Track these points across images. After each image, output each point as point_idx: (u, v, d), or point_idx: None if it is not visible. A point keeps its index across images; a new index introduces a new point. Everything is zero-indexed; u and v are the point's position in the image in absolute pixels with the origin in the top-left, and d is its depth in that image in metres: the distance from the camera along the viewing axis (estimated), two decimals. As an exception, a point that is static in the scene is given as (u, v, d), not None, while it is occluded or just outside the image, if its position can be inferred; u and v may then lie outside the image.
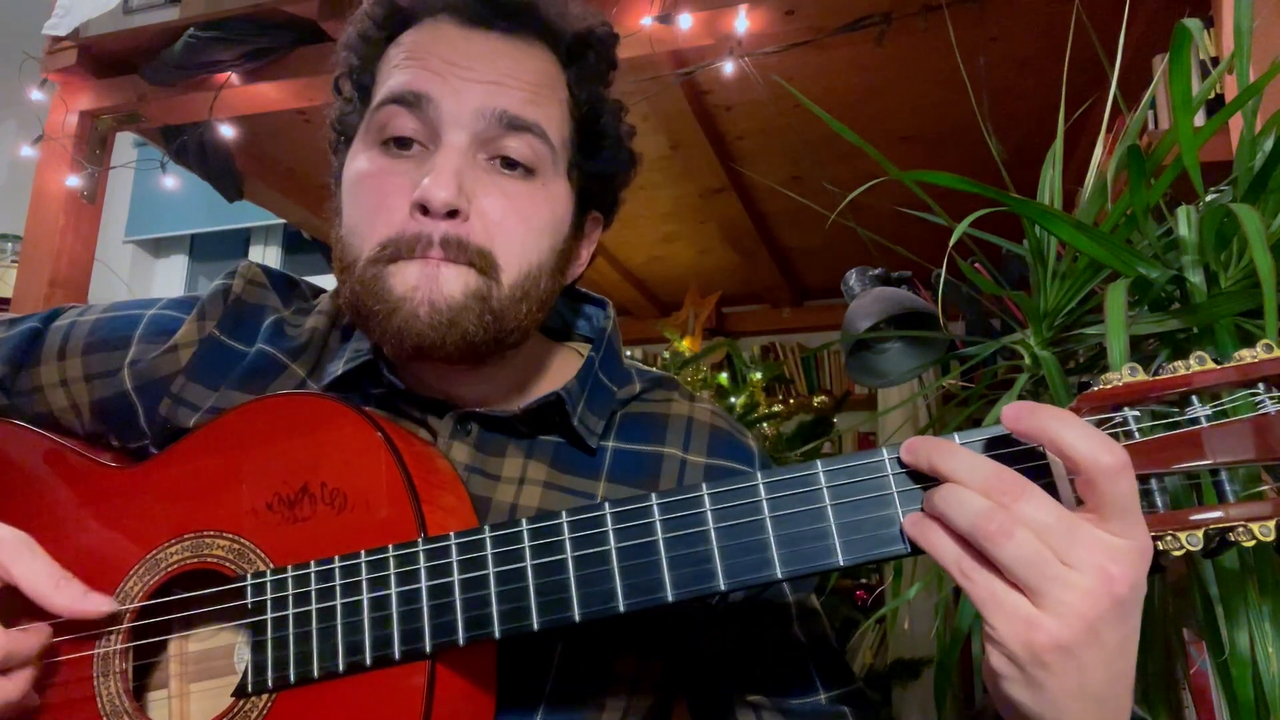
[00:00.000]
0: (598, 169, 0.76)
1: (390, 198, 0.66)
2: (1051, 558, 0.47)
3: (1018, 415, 0.50)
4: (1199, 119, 1.23)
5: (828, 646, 0.77)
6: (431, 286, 0.65)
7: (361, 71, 0.73)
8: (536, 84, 0.70)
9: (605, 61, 0.76)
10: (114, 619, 0.66)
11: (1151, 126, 1.83)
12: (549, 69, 0.72)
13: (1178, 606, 0.87)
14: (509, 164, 0.68)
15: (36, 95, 2.45)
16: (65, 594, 0.64)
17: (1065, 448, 0.48)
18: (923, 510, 0.53)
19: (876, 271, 2.25)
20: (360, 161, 0.69)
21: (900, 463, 0.55)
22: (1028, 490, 0.49)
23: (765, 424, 2.71)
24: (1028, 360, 0.98)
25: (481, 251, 0.66)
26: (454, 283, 0.65)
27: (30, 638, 0.64)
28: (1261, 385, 0.51)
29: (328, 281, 0.79)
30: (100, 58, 2.40)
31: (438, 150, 0.67)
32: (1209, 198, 0.89)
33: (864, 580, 3.34)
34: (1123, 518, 0.48)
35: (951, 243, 0.89)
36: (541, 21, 0.71)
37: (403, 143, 0.68)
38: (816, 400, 3.75)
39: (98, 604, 0.65)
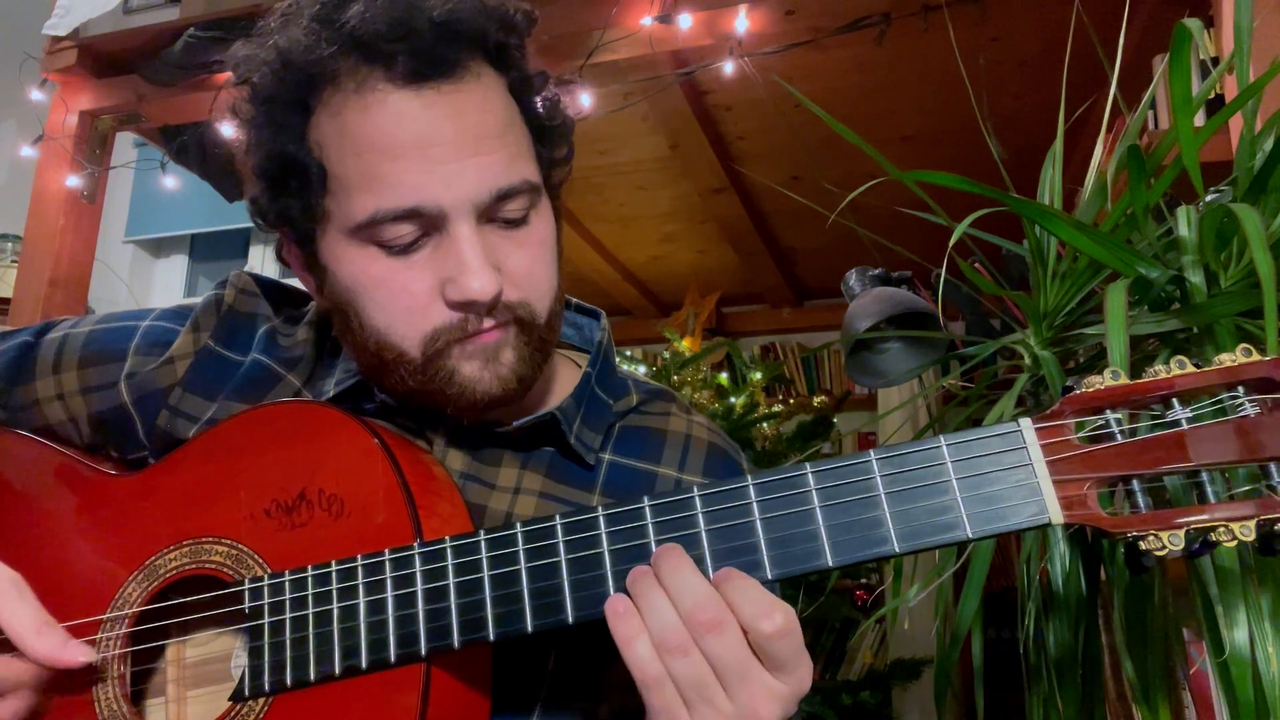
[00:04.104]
0: (555, 154, 0.76)
1: (420, 296, 0.66)
2: (716, 686, 0.54)
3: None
4: (1199, 119, 1.23)
5: None
6: (496, 365, 0.68)
7: (291, 146, 0.67)
8: (502, 127, 0.67)
9: (525, 40, 0.72)
10: (91, 669, 0.65)
11: (1151, 126, 1.83)
12: (498, 93, 0.68)
13: (1178, 606, 0.87)
14: (509, 221, 0.69)
15: (36, 95, 2.45)
16: (45, 641, 0.62)
17: (736, 610, 0.54)
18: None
19: (876, 271, 2.24)
20: (359, 263, 0.67)
21: (888, 464, 0.56)
22: (723, 628, 0.54)
23: (765, 424, 2.71)
24: (1028, 360, 0.98)
25: (521, 304, 0.69)
26: (508, 349, 0.69)
27: (22, 665, 0.63)
28: (1241, 388, 0.52)
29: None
30: (100, 58, 2.40)
31: (449, 239, 0.65)
32: (1209, 198, 0.89)
33: (864, 580, 3.34)
34: (783, 668, 0.55)
35: (951, 243, 0.89)
36: (468, 39, 0.66)
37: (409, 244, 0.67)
38: (816, 400, 3.74)
39: (76, 654, 0.63)
